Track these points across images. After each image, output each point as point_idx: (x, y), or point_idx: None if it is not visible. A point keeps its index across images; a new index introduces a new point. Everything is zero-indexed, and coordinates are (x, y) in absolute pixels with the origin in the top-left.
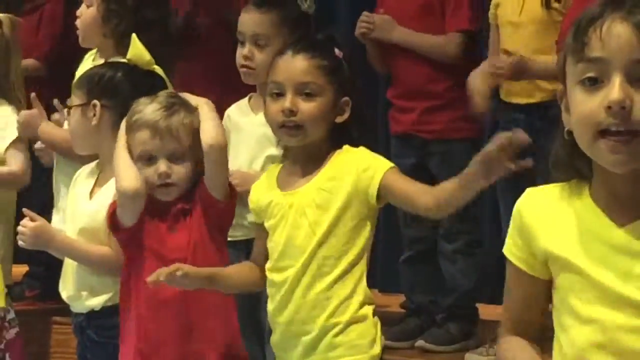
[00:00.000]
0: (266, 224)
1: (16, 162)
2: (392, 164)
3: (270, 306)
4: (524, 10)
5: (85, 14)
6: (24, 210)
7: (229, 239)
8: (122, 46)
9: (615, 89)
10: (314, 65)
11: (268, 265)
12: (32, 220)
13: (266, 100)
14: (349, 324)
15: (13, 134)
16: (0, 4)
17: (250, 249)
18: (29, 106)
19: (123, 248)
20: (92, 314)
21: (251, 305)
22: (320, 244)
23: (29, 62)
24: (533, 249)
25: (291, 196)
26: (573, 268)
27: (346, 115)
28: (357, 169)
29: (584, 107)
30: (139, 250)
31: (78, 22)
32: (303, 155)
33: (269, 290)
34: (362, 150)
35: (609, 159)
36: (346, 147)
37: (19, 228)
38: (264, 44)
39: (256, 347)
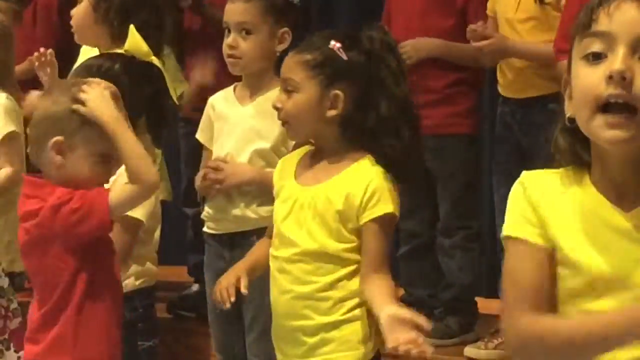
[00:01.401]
0: (275, 203)
1: (10, 162)
2: (389, 210)
3: (272, 293)
4: (519, 8)
5: (78, 8)
6: None
7: (213, 232)
8: (117, 35)
9: (618, 59)
10: (295, 60)
11: (273, 241)
12: None
13: None
14: (342, 322)
15: (4, 128)
16: None
17: (235, 243)
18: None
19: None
20: None
21: None
22: (316, 247)
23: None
24: (542, 222)
25: (300, 191)
26: (575, 255)
27: (339, 109)
28: (363, 194)
29: (586, 79)
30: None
31: (72, 21)
32: (317, 150)
33: (271, 276)
34: (378, 173)
35: (606, 135)
36: (366, 160)
37: None
38: (249, 32)
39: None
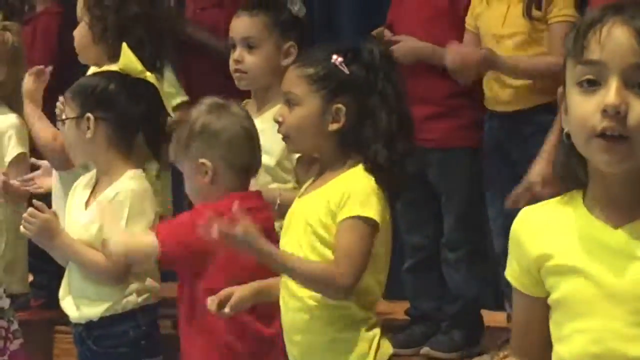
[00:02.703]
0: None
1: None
2: (360, 213)
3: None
4: (506, 22)
5: (78, 29)
6: (34, 201)
7: None
8: (114, 53)
9: (611, 92)
10: (296, 74)
11: None
12: (42, 212)
13: None
14: (339, 339)
15: (15, 149)
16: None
17: None
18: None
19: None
20: (90, 324)
21: None
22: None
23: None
24: (529, 267)
25: (296, 202)
26: (571, 274)
27: (340, 123)
28: (341, 195)
29: (581, 109)
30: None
31: (74, 41)
32: (318, 163)
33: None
34: (358, 178)
35: (602, 159)
36: (357, 168)
37: (25, 216)
38: (254, 47)
39: None
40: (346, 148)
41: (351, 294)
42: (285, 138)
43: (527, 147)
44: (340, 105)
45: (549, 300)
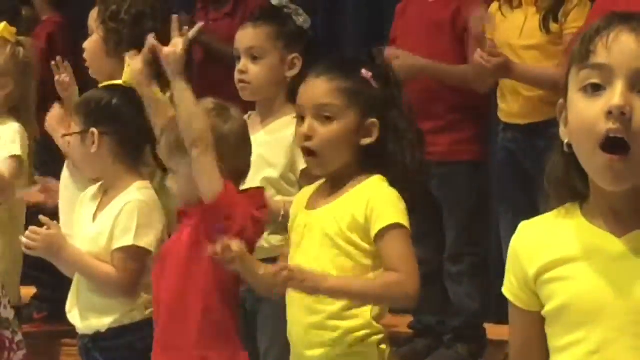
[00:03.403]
0: (290, 237)
1: (7, 169)
2: (397, 220)
3: (288, 319)
4: (522, 34)
5: (89, 42)
6: (41, 217)
7: None
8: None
9: (617, 94)
10: (334, 87)
11: None
12: (48, 227)
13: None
14: (351, 354)
15: (15, 149)
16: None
17: None
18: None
19: None
20: (97, 335)
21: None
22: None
23: None
24: (527, 281)
25: (308, 216)
26: (571, 283)
27: (373, 138)
28: (366, 205)
29: (585, 114)
30: None
31: (85, 54)
32: (333, 177)
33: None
34: (381, 187)
35: (605, 177)
36: (375, 178)
37: (27, 234)
38: (258, 57)
39: None
40: (368, 162)
41: (418, 296)
42: (310, 154)
43: (541, 161)
44: (374, 120)
45: (544, 312)
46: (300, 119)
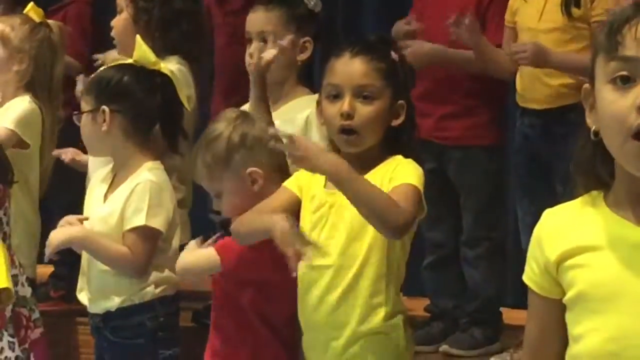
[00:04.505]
0: (304, 214)
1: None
2: (416, 183)
3: (303, 304)
4: (543, 17)
5: (118, 20)
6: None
7: None
8: (160, 47)
9: None
10: (372, 67)
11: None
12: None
13: (323, 103)
14: (377, 332)
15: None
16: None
17: None
18: (65, 109)
19: None
20: (108, 314)
21: None
22: (355, 248)
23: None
24: (548, 267)
25: (332, 196)
26: (592, 270)
27: (401, 119)
28: (387, 177)
29: (615, 107)
30: None
31: (113, 32)
32: (353, 158)
33: (301, 286)
34: (402, 161)
35: (636, 164)
36: (398, 157)
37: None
38: (271, 41)
39: None
40: (388, 143)
41: (405, 233)
42: (350, 132)
43: (558, 147)
44: (403, 102)
45: (565, 299)
46: (334, 97)
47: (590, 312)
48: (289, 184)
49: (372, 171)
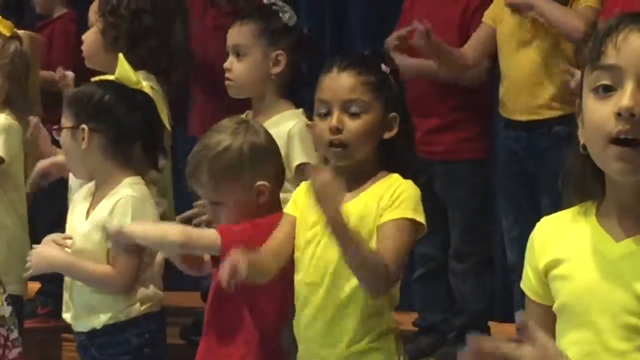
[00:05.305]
0: (298, 231)
1: None
2: (407, 215)
3: (298, 319)
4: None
5: (88, 35)
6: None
7: None
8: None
9: (626, 95)
10: (360, 81)
11: (297, 277)
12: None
13: (315, 120)
14: (370, 349)
15: None
16: (13, 20)
17: None
18: (47, 119)
19: None
20: (93, 332)
21: None
22: (347, 268)
23: (47, 74)
24: (540, 274)
25: None
26: (571, 283)
27: (394, 132)
28: (383, 202)
29: (596, 115)
30: None
31: (83, 46)
32: (347, 172)
33: (298, 302)
34: (400, 185)
35: (616, 166)
36: (394, 176)
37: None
38: (242, 55)
39: None
40: (382, 157)
41: (391, 288)
42: (339, 146)
43: (543, 160)
44: (395, 114)
45: (554, 308)
46: (324, 114)
47: (570, 325)
48: (289, 209)
49: (367, 190)
